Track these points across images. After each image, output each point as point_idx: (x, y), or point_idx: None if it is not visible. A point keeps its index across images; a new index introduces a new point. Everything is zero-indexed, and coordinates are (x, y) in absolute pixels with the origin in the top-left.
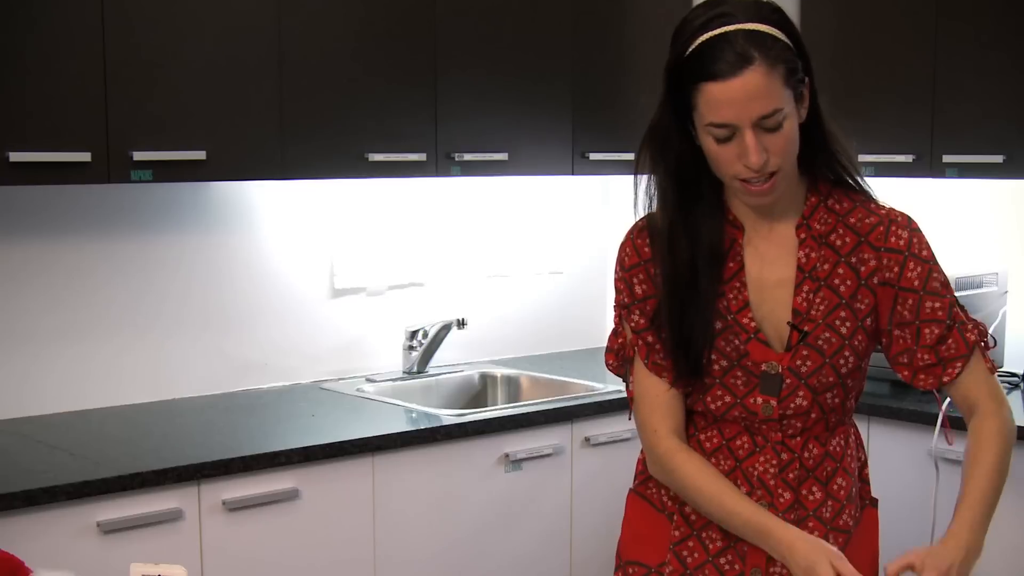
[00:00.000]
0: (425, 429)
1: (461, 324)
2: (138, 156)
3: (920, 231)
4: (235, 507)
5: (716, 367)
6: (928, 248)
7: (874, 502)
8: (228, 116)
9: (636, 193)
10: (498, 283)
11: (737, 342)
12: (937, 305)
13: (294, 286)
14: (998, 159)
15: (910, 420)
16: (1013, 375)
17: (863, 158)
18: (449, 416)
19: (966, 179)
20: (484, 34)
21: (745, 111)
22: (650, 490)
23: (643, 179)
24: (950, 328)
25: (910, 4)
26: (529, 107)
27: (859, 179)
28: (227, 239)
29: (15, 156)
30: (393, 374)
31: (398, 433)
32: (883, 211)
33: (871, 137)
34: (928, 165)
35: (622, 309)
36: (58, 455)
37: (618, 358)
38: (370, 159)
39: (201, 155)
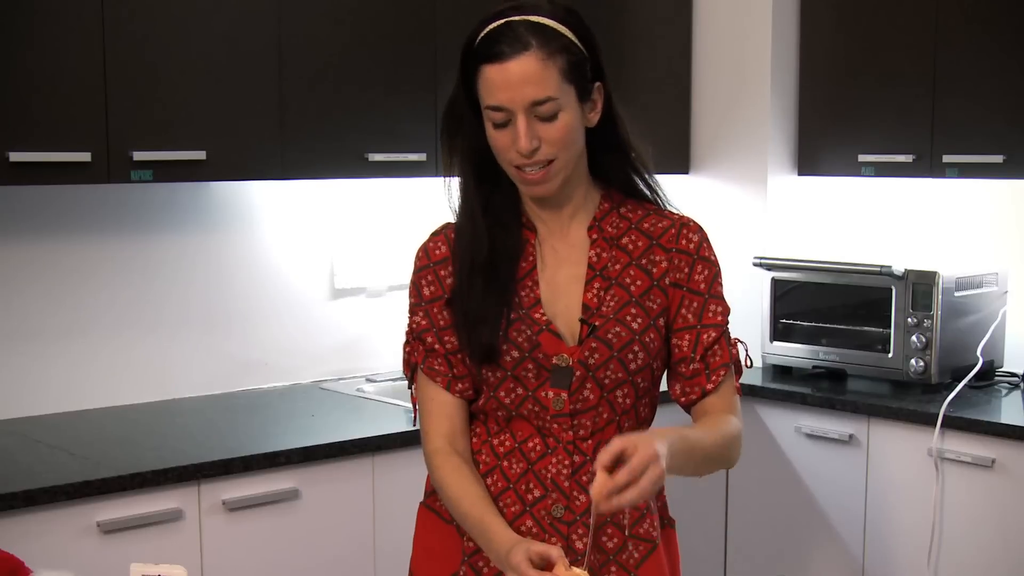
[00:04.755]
0: None
1: None
2: (138, 156)
3: (708, 237)
4: (235, 507)
5: (508, 358)
6: (715, 254)
7: (672, 522)
8: (228, 116)
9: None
10: None
11: (529, 333)
12: (719, 309)
13: (294, 286)
14: (998, 159)
15: (910, 420)
16: (1013, 375)
17: (863, 158)
18: None
19: (966, 179)
20: None
21: (518, 95)
22: (438, 502)
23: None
24: (721, 335)
25: (910, 4)
26: None
27: (653, 186)
28: (227, 239)
29: (15, 156)
30: (393, 374)
31: (398, 433)
32: (675, 216)
33: (871, 137)
34: (928, 165)
35: (410, 313)
36: (58, 455)
37: (409, 367)
38: (370, 159)
39: (201, 155)
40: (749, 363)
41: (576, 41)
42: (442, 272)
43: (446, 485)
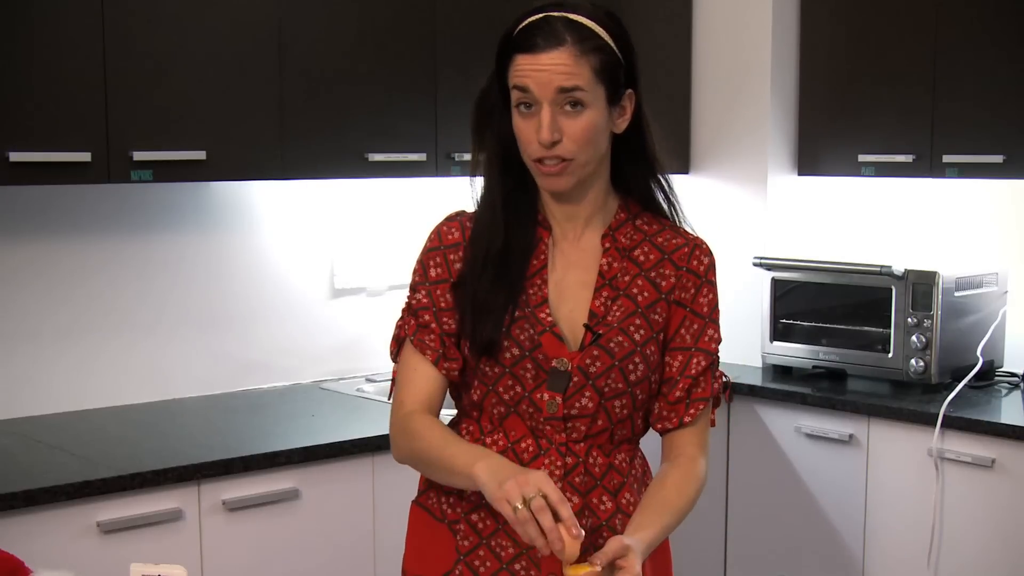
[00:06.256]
0: None
1: None
2: (138, 156)
3: (716, 262)
4: (235, 507)
5: (508, 355)
6: (717, 279)
7: None
8: (228, 116)
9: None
10: None
11: (532, 332)
12: (715, 336)
13: (294, 286)
14: (998, 159)
15: (910, 420)
16: (1013, 375)
17: (863, 158)
18: (449, 416)
19: (966, 179)
20: (484, 34)
21: (547, 83)
22: (431, 500)
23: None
24: (711, 365)
25: (910, 4)
26: None
27: (673, 201)
28: (227, 239)
29: (15, 156)
30: None
31: None
32: (690, 236)
33: (871, 137)
34: (928, 165)
35: (411, 290)
36: (58, 455)
37: (397, 343)
38: (370, 159)
39: (201, 155)
40: (730, 397)
41: (612, 44)
42: (451, 256)
43: (428, 433)
